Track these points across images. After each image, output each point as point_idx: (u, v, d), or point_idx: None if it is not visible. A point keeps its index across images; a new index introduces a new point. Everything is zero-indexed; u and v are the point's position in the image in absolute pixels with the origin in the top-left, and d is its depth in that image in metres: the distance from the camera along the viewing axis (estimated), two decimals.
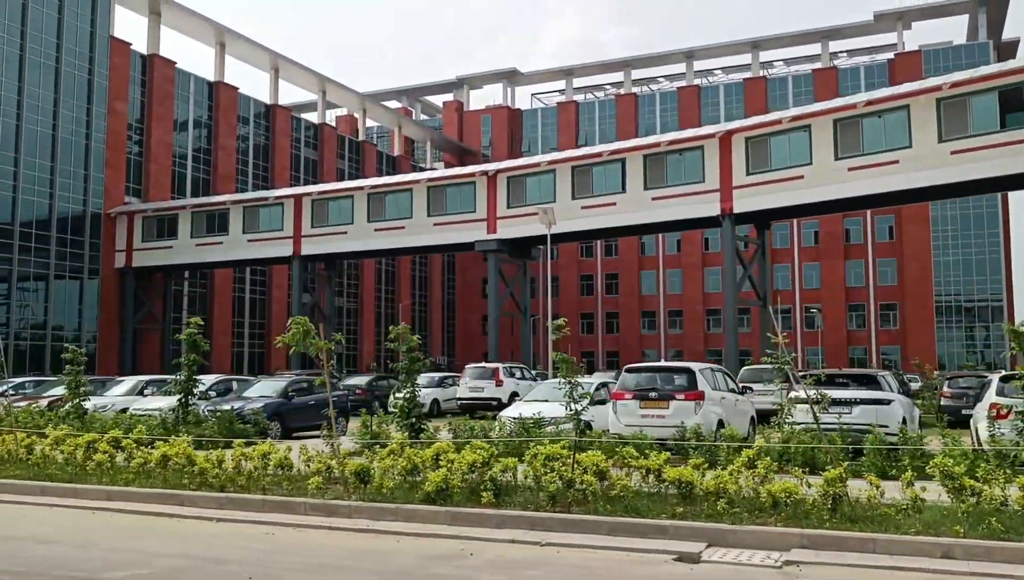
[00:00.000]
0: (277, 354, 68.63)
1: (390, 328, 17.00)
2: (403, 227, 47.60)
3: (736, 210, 37.53)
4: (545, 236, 44.69)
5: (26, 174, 51.37)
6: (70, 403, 18.46)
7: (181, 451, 11.92)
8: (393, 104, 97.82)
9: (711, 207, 38.21)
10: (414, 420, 14.98)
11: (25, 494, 12.07)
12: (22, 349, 51.00)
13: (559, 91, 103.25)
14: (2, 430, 16.95)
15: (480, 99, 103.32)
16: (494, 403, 28.13)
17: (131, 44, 58.83)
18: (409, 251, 52.80)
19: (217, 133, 65.30)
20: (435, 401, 30.71)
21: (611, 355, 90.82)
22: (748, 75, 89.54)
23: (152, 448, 12.75)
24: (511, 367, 32.03)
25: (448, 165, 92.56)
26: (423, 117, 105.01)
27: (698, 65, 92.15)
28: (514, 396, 28.06)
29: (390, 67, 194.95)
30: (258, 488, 11.11)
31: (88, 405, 20.33)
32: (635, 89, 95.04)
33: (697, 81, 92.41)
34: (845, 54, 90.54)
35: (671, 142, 40.01)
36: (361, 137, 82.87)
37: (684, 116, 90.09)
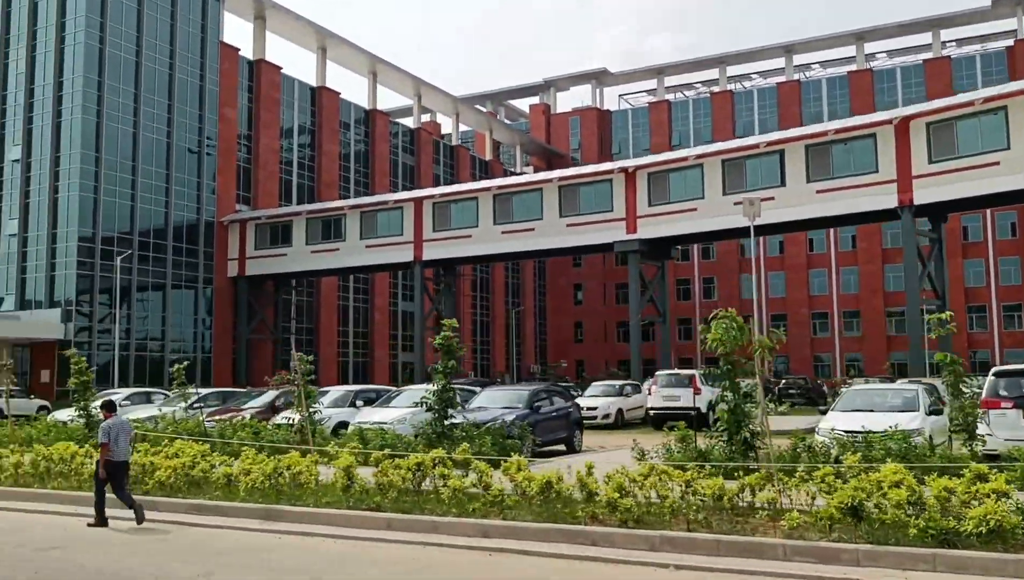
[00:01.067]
0: (380, 364, 67.24)
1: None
2: (532, 229, 45.48)
3: (917, 202, 34.64)
4: (685, 236, 42.42)
5: (143, 183, 50.53)
6: (299, 417, 16.44)
7: (552, 478, 9.72)
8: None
9: (887, 199, 35.37)
10: (747, 436, 12.60)
11: (365, 527, 10.05)
12: (142, 359, 50.05)
13: (646, 91, 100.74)
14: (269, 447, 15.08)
15: (565, 102, 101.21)
16: (692, 413, 25.65)
17: (239, 49, 57.87)
18: (539, 254, 50.69)
19: (320, 139, 64.11)
20: (619, 411, 28.42)
21: (647, 362, 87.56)
22: (853, 67, 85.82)
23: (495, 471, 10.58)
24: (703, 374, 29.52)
25: (537, 169, 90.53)
26: (506, 121, 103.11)
27: (797, 59, 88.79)
28: (712, 406, 25.26)
29: (444, 79, 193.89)
30: (684, 522, 8.86)
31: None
32: (730, 86, 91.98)
33: (797, 76, 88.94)
34: (955, 43, 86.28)
35: (838, 131, 37.28)
36: (455, 141, 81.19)
37: (784, 112, 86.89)
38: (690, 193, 40.86)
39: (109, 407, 12.66)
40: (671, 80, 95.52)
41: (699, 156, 41.34)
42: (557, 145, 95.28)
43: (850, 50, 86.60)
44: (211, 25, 55.37)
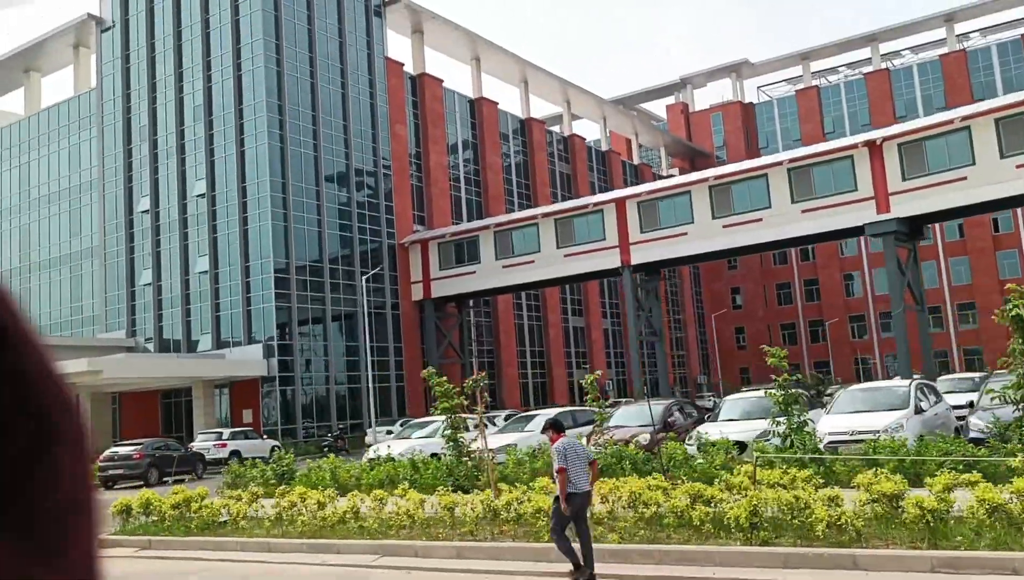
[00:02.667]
0: (559, 382, 63.79)
1: None
2: (760, 219, 41.35)
3: None
4: (950, 210, 37.62)
5: (328, 208, 48.36)
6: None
7: None
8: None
9: None
10: None
11: None
12: (342, 393, 47.63)
13: (784, 81, 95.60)
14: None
15: (702, 99, 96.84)
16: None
17: (403, 64, 55.65)
18: (771, 246, 46.49)
19: (483, 152, 61.40)
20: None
21: (820, 365, 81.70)
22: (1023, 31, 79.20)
23: None
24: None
25: (683, 171, 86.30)
26: (653, 123, 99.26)
27: (959, 28, 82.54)
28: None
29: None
30: None
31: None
32: (885, 64, 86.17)
33: (960, 46, 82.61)
34: None
35: None
36: (605, 147, 77.68)
37: (952, 85, 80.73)
38: (957, 161, 36.16)
39: (557, 427, 9.94)
40: (817, 65, 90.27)
41: (965, 117, 36.58)
42: (699, 143, 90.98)
43: (1015, 13, 79.98)
44: (375, 41, 53.30)
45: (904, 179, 37.69)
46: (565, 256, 47.55)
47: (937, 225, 68.41)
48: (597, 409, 16.95)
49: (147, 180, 50.47)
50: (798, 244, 51.08)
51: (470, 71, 62.53)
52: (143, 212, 50.48)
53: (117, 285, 51.42)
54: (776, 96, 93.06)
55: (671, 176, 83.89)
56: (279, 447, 35.83)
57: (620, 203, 45.90)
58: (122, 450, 28.00)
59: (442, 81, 58.60)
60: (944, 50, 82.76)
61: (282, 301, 44.84)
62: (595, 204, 46.81)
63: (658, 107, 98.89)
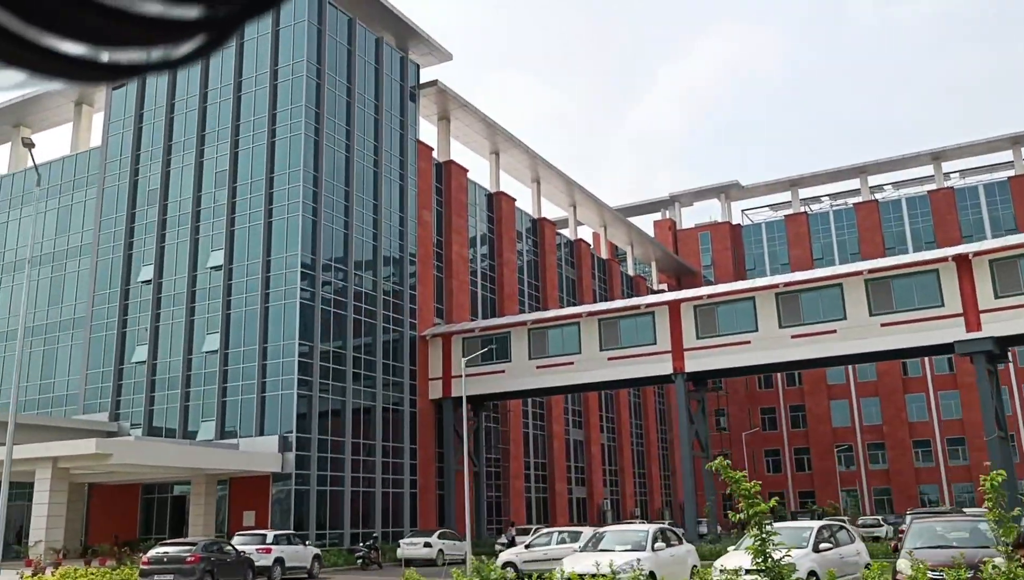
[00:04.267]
0: (560, 499, 59.37)
1: None
2: (834, 331, 39.01)
3: None
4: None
5: (355, 290, 44.46)
6: None
7: None
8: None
9: None
10: None
11: None
12: (356, 495, 42.60)
13: (768, 207, 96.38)
14: None
15: (689, 218, 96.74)
16: None
17: (433, 149, 53.07)
18: (846, 359, 44.01)
19: (500, 248, 58.56)
20: None
21: (804, 496, 79.92)
22: (1011, 173, 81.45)
23: None
24: None
25: (671, 287, 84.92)
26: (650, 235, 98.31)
27: (947, 167, 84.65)
28: None
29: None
30: None
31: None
32: (875, 196, 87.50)
33: (948, 184, 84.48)
34: None
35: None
36: (605, 254, 75.74)
37: (939, 221, 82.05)
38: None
39: None
40: (804, 192, 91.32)
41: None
42: (686, 261, 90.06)
43: (1006, 155, 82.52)
44: (409, 123, 50.70)
45: (996, 297, 35.98)
46: (609, 359, 44.25)
47: None
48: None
49: (152, 248, 45.91)
50: (877, 359, 48.73)
51: (488, 165, 60.29)
52: (143, 282, 45.69)
53: (103, 361, 45.97)
54: (758, 221, 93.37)
55: (661, 291, 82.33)
56: (320, 557, 30.92)
57: (674, 306, 43.18)
58: (171, 550, 22.97)
59: (467, 171, 56.09)
60: (932, 186, 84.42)
61: (303, 389, 40.21)
62: (647, 305, 43.98)
63: (644, 222, 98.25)
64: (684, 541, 21.79)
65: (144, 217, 46.85)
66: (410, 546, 35.61)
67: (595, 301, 68.55)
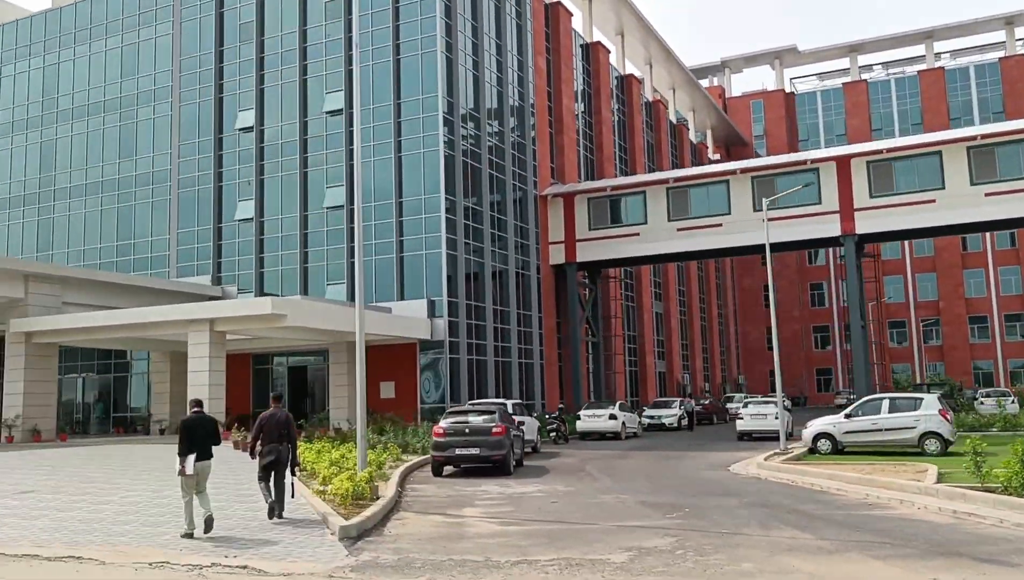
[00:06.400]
0: (649, 374, 56.62)
1: None
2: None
3: None
4: None
5: (488, 143, 39.72)
6: None
7: None
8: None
9: None
10: None
11: None
12: (482, 363, 39.09)
13: (815, 75, 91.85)
14: None
15: (738, 85, 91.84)
16: None
17: None
18: None
19: (599, 105, 53.71)
20: None
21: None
22: None
23: None
24: None
25: (722, 158, 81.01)
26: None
27: (1020, 32, 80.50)
28: None
29: None
30: None
31: None
32: (939, 63, 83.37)
33: (1021, 50, 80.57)
34: None
35: None
36: (673, 118, 71.00)
37: (1010, 89, 78.54)
38: None
39: None
40: (864, 59, 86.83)
41: None
42: (739, 129, 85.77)
43: None
44: None
45: None
46: (763, 221, 40.42)
47: None
48: None
49: (250, 91, 40.33)
50: None
51: (582, 12, 54.62)
52: (241, 130, 40.32)
53: (196, 219, 40.99)
54: (813, 89, 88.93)
55: (715, 161, 78.35)
56: (541, 429, 27.51)
57: (843, 161, 39.29)
58: (472, 419, 19.11)
59: (572, 15, 50.58)
60: (1003, 53, 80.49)
61: (450, 248, 35.91)
62: (812, 160, 39.99)
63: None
64: None
65: (236, 55, 41.01)
66: (593, 419, 32.35)
67: (671, 168, 64.49)
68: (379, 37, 37.57)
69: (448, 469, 19.39)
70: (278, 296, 37.43)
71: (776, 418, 30.04)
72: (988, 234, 73.14)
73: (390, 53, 37.24)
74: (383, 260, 36.38)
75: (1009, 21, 78.86)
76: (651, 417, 38.34)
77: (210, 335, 28.48)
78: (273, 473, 11.92)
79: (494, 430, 18.72)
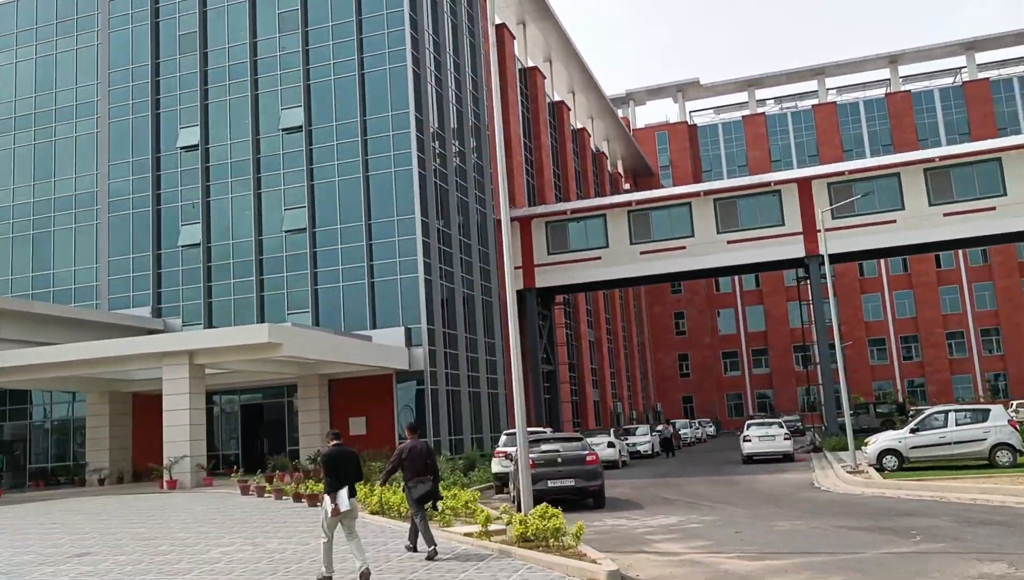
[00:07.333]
0: (588, 403, 55.80)
1: None
2: (992, 209, 37.00)
3: None
4: None
5: (454, 163, 38.12)
6: None
7: None
8: None
9: None
10: None
11: None
12: (456, 394, 37.23)
13: (712, 109, 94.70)
14: None
15: (641, 117, 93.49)
16: None
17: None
18: (1002, 238, 41.74)
19: (537, 129, 52.97)
20: None
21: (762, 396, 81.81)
22: (966, 78, 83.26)
23: None
24: None
25: (632, 188, 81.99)
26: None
27: (903, 70, 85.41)
28: None
29: None
30: None
31: None
32: (830, 98, 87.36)
33: (907, 87, 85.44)
34: None
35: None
36: (595, 147, 71.12)
37: (897, 123, 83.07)
38: None
39: None
40: (761, 93, 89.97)
41: None
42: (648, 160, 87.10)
43: (960, 60, 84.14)
44: None
45: None
46: (728, 243, 40.49)
47: None
48: None
49: (193, 107, 37.25)
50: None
51: (517, 37, 53.85)
52: (184, 148, 37.11)
53: (132, 246, 37.33)
54: (715, 121, 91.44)
55: (627, 190, 79.13)
56: None
57: (803, 184, 39.78)
58: (563, 448, 17.36)
59: (514, 39, 49.75)
60: (890, 89, 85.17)
61: (426, 273, 33.91)
62: (775, 182, 40.30)
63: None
64: None
65: (176, 68, 37.86)
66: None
67: (595, 196, 64.41)
68: (342, 50, 35.45)
69: None
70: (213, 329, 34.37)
71: (785, 439, 29.59)
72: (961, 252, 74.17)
73: (355, 67, 35.16)
74: (353, 286, 33.98)
75: (893, 60, 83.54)
76: (628, 445, 37.24)
77: (189, 369, 25.44)
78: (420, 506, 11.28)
79: (588, 458, 17.08)
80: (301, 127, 35.45)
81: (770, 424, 30.68)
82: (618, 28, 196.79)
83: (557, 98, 61.73)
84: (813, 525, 13.00)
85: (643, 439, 37.86)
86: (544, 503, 11.81)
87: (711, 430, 60.83)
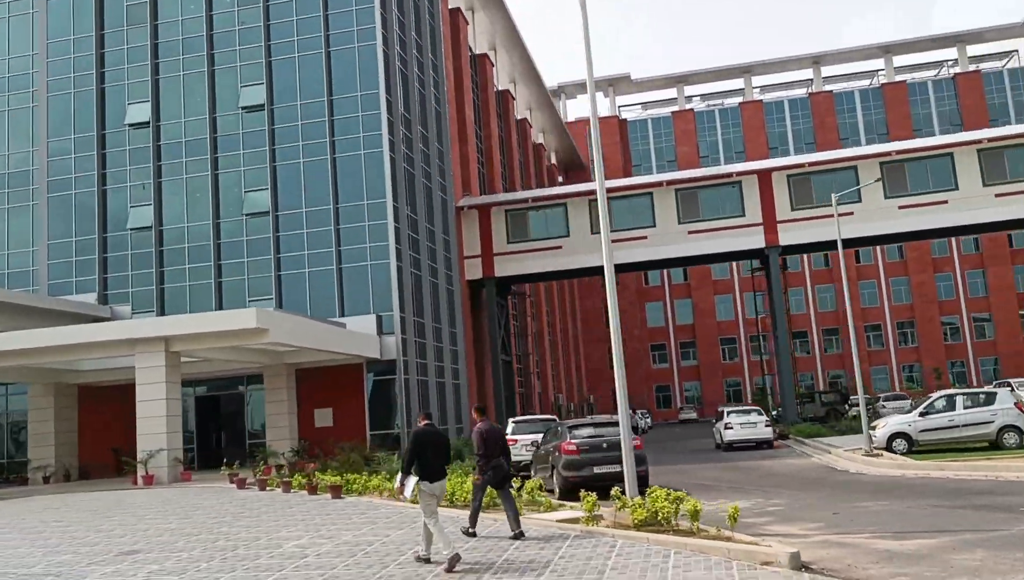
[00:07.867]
0: (532, 394, 55.57)
1: None
2: (945, 201, 38.21)
3: None
4: None
5: (418, 147, 37.10)
6: None
7: None
8: None
9: None
10: None
11: None
12: (424, 383, 36.35)
13: (640, 105, 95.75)
14: None
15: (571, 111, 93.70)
16: None
17: None
18: (955, 231, 42.86)
19: (487, 117, 52.22)
20: None
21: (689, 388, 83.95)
22: (883, 80, 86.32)
23: None
24: None
25: (564, 181, 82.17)
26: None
27: (825, 71, 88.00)
28: None
29: None
30: None
31: None
32: (756, 97, 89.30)
33: (829, 87, 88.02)
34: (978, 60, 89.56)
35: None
36: (536, 139, 70.76)
37: (820, 122, 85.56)
38: None
39: None
40: (689, 90, 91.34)
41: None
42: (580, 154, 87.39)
43: (878, 63, 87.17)
44: None
45: None
46: (689, 233, 40.67)
47: None
48: None
49: (144, 81, 35.10)
50: (988, 230, 45.44)
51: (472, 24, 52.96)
52: (133, 125, 34.95)
53: (75, 229, 34.95)
54: (632, 118, 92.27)
55: (561, 184, 79.20)
56: None
57: (764, 175, 40.29)
58: (608, 433, 16.81)
59: (468, 24, 48.84)
60: (813, 89, 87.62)
61: (398, 260, 32.83)
62: (736, 173, 40.65)
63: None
64: None
65: (122, 40, 35.61)
66: None
67: (533, 187, 64.14)
68: (306, 26, 33.98)
69: None
70: (182, 314, 32.51)
71: (766, 426, 29.79)
72: (955, 239, 75.60)
73: (321, 44, 33.75)
74: (320, 272, 32.63)
75: (816, 60, 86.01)
76: None
77: (166, 357, 23.80)
78: (500, 489, 11.24)
79: (635, 443, 16.52)
80: (263, 105, 33.82)
81: (748, 411, 30.82)
82: (560, 20, 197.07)
83: (501, 87, 61.11)
84: (907, 505, 12.80)
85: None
86: (615, 487, 11.54)
87: (648, 421, 61.36)
